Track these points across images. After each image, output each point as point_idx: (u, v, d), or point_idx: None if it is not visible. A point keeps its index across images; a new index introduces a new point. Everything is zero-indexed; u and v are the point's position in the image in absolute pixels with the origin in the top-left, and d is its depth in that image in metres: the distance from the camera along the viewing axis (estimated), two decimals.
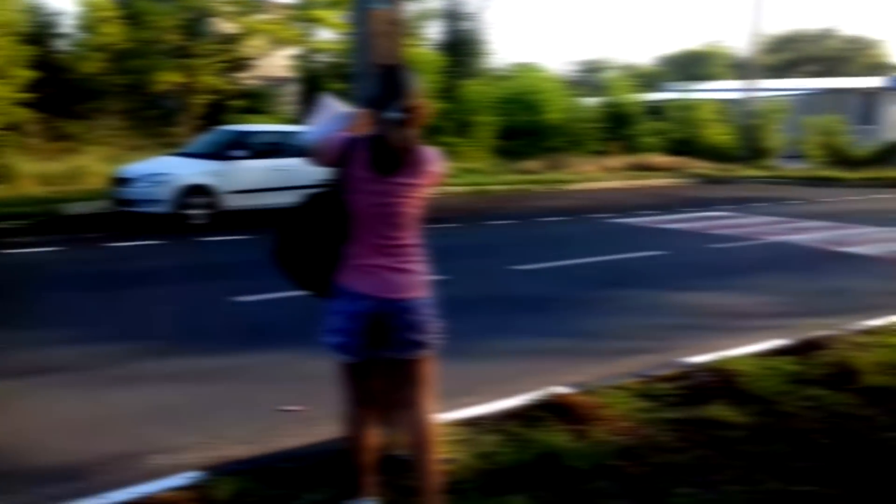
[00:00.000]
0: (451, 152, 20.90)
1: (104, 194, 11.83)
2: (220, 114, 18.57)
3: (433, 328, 2.87)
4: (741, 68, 30.82)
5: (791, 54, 56.85)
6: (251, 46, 20.95)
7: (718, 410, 3.90)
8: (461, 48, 28.38)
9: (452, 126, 22.53)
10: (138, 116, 18.27)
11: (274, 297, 6.35)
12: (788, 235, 11.03)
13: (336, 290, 2.84)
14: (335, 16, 22.31)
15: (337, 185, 2.81)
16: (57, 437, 3.99)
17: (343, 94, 3.16)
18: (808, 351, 4.97)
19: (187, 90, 19.24)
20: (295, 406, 4.33)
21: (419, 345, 2.85)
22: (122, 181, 11.38)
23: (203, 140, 13.14)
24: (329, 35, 23.89)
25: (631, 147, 24.04)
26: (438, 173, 2.83)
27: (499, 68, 29.50)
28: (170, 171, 11.40)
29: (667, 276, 8.22)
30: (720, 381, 4.27)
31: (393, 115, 2.70)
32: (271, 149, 12.17)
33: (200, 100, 19.22)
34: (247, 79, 21.28)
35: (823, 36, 61.93)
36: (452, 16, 29.57)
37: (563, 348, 5.64)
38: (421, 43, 28.12)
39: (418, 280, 2.84)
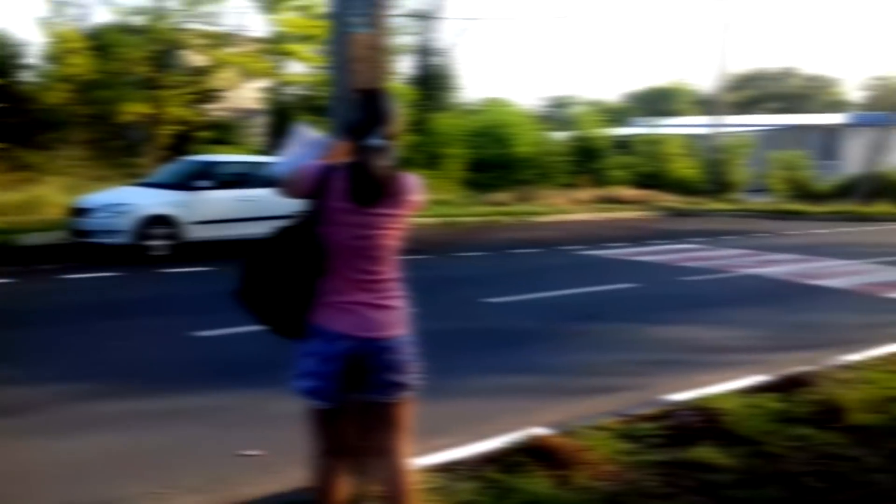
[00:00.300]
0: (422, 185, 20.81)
1: (62, 225, 11.43)
2: (188, 145, 18.28)
3: (413, 368, 2.65)
4: (706, 104, 31.31)
5: (754, 92, 57.98)
6: (221, 78, 20.74)
7: (705, 452, 3.70)
8: (432, 82, 28.47)
9: (423, 158, 22.44)
10: (102, 147, 17.91)
11: (235, 331, 6.03)
12: (759, 268, 10.98)
13: (309, 330, 2.61)
14: (307, 49, 22.25)
15: (310, 217, 2.60)
16: None
17: (315, 125, 2.98)
18: (791, 388, 4.80)
19: (154, 121, 18.95)
20: (255, 451, 4.05)
21: (399, 386, 2.64)
22: (81, 211, 11.00)
23: (167, 170, 12.82)
24: (300, 68, 23.83)
25: (599, 180, 24.15)
26: (418, 202, 2.64)
27: (469, 102, 29.66)
28: (131, 201, 11.05)
29: (640, 309, 8.07)
30: (704, 421, 4.08)
31: (374, 142, 2.53)
32: (238, 179, 11.89)
33: (167, 131, 18.92)
34: (215, 110, 21.05)
35: (785, 74, 63.37)
36: (424, 51, 29.74)
37: (538, 385, 5.42)
38: (393, 77, 28.21)
39: (399, 316, 2.64)
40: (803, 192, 25.10)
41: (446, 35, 29.94)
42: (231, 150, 17.68)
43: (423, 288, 3.44)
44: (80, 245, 10.87)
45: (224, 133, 20.48)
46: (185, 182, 11.53)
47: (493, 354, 6.23)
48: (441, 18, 29.68)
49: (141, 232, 10.71)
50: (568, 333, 7.03)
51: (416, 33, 29.57)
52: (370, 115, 2.56)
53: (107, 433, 4.34)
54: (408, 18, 28.69)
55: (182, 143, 18.57)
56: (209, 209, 11.26)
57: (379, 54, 3.14)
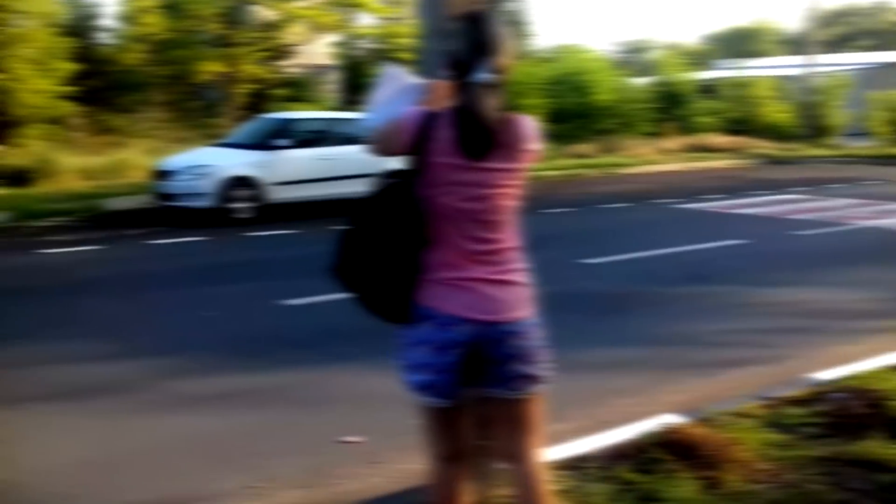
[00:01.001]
0: None
1: (146, 188, 11.39)
2: (263, 103, 18.12)
3: (544, 356, 2.21)
4: (794, 44, 29.39)
5: (844, 28, 54.70)
6: (292, 34, 20.43)
7: (876, 447, 3.16)
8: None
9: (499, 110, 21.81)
10: (181, 108, 17.92)
11: (326, 299, 5.73)
12: (877, 220, 10.11)
13: (416, 313, 2.17)
14: (376, 0, 21.73)
15: (409, 177, 2.15)
16: (68, 479, 3.38)
17: (406, 68, 2.50)
18: None
19: (229, 80, 18.82)
20: (355, 437, 3.71)
21: (529, 379, 2.18)
22: (164, 174, 10.89)
23: (245, 129, 12.58)
24: (370, 20, 23.33)
25: (686, 128, 22.98)
26: (537, 151, 2.15)
27: (543, 50, 28.68)
28: (212, 162, 10.88)
29: (753, 269, 7.42)
30: (866, 406, 3.53)
31: (483, 76, 2.02)
32: (317, 137, 11.60)
33: (242, 89, 18.79)
34: (288, 67, 20.78)
35: (877, 9, 59.60)
36: None
37: (654, 359, 4.93)
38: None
39: (524, 294, 2.18)
40: None
41: None
42: (306, 108, 17.46)
43: None
44: (165, 209, 10.79)
45: (298, 90, 20.25)
46: (264, 141, 11.28)
47: (598, 322, 5.75)
48: None
49: (224, 194, 10.54)
50: (676, 298, 6.50)
51: None
52: (475, 43, 2.06)
53: (196, 415, 4.07)
54: None
55: (258, 101, 18.43)
56: (290, 169, 10.99)
57: None
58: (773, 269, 7.37)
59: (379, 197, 2.19)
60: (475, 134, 2.04)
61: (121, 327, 5.70)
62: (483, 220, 2.10)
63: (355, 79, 22.83)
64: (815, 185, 14.01)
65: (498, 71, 2.04)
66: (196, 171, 10.65)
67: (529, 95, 21.59)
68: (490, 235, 2.11)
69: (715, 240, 8.75)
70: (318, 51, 22.05)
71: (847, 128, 24.98)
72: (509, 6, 28.65)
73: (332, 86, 22.78)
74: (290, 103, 18.02)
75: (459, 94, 2.08)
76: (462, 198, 2.07)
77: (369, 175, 11.71)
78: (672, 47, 45.16)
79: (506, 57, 2.06)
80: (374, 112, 2.31)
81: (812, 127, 24.35)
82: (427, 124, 2.08)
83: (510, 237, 2.16)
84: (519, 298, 2.16)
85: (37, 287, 6.96)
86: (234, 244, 9.28)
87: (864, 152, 21.44)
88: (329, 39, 22.71)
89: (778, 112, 25.16)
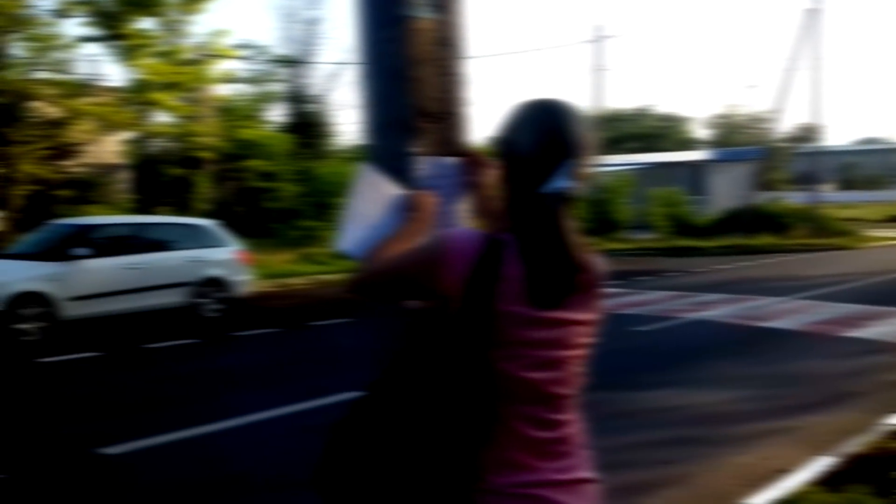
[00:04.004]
0: (313, 237, 19.48)
1: None
2: (45, 206, 16.22)
3: None
4: None
5: (612, 132, 60.40)
6: (78, 131, 18.70)
7: None
8: (308, 130, 27.31)
9: (311, 209, 21.20)
10: None
11: (152, 443, 4.74)
12: (700, 311, 10.54)
13: None
14: (172, 97, 20.65)
15: (434, 337, 1.48)
16: None
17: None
18: (872, 471, 4.06)
19: (5, 181, 16.71)
20: None
21: None
22: None
23: (34, 238, 10.94)
24: (166, 118, 22.13)
25: None
26: (603, 298, 1.54)
27: (349, 148, 28.69)
28: None
29: (616, 372, 7.22)
30: None
31: (564, 185, 1.43)
32: (121, 244, 10.30)
33: (21, 191, 16.73)
34: (74, 166, 18.94)
35: (639, 115, 66.57)
36: (296, 98, 28.55)
37: None
38: (265, 125, 26.82)
39: (597, 495, 1.54)
40: (684, 228, 25.70)
41: (319, 81, 28.95)
42: (96, 210, 15.90)
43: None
44: None
45: (86, 191, 18.49)
46: (58, 251, 9.80)
47: None
48: (312, 64, 28.77)
49: (9, 313, 8.93)
50: None
51: (288, 80, 28.48)
52: (551, 137, 1.45)
53: None
54: (278, 65, 27.56)
55: (39, 203, 16.48)
56: (90, 281, 9.60)
57: (451, 51, 1.96)
58: (635, 371, 7.24)
59: (404, 368, 1.50)
60: (555, 272, 1.43)
61: None
62: (549, 395, 1.46)
63: (149, 178, 21.36)
64: (624, 279, 14.53)
65: (580, 179, 1.46)
66: None
67: (340, 194, 21.24)
68: (558, 417, 1.48)
69: None
70: (107, 149, 20.42)
71: (631, 222, 26.98)
72: (312, 106, 28.59)
73: (123, 185, 21.13)
74: (77, 205, 16.34)
75: (522, 211, 1.46)
76: (529, 363, 1.43)
77: (186, 284, 10.84)
78: None
79: (589, 159, 1.49)
80: (352, 230, 1.66)
81: (602, 221, 26.01)
82: (489, 255, 1.43)
83: (574, 415, 1.53)
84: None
85: None
86: (25, 375, 7.74)
87: (650, 244, 23.09)
88: (120, 137, 21.17)
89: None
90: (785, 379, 6.90)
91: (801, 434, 5.25)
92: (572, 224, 1.45)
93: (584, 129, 1.48)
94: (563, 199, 1.43)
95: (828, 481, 4.07)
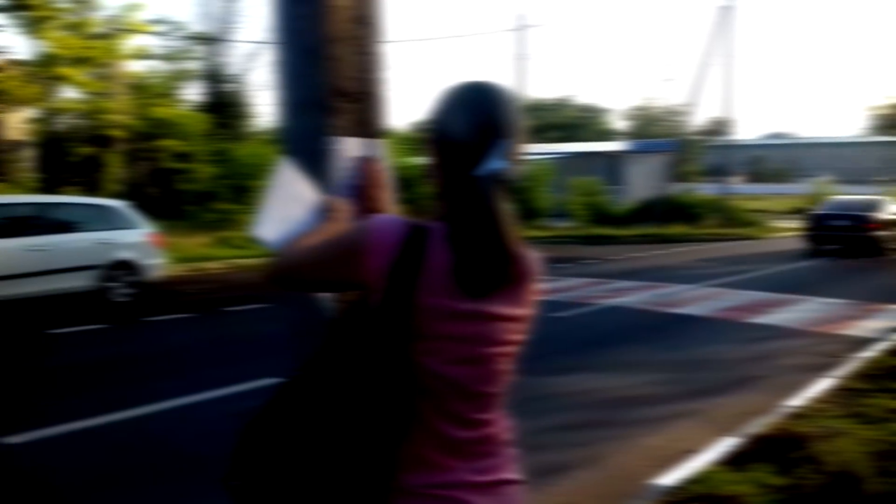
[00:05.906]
0: (230, 220, 19.02)
1: None
2: None
3: None
4: None
5: (534, 121, 61.08)
6: None
7: None
8: (225, 110, 26.61)
9: (228, 192, 20.70)
10: None
11: (57, 432, 4.54)
12: (615, 298, 10.78)
13: None
14: (82, 73, 19.82)
15: (354, 330, 1.42)
16: None
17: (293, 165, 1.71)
18: (775, 451, 4.23)
19: None
20: None
21: None
22: None
23: None
24: (75, 94, 21.23)
25: (419, 212, 23.58)
26: (539, 292, 1.50)
27: (268, 130, 28.11)
28: None
29: (541, 356, 7.33)
30: None
31: (499, 166, 1.36)
32: (24, 224, 9.80)
33: None
34: None
35: (560, 105, 67.50)
36: (214, 77, 27.76)
37: None
38: (181, 104, 25.99)
39: (521, 496, 1.50)
40: (601, 217, 26.28)
41: (237, 59, 28.22)
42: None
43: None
44: None
45: None
46: None
47: None
48: (231, 42, 28.03)
49: None
50: None
51: (205, 58, 27.65)
52: (484, 119, 1.40)
53: None
54: (194, 42, 26.73)
55: None
56: None
57: (369, 30, 1.90)
58: (551, 356, 7.32)
59: (320, 364, 1.43)
60: (486, 260, 1.37)
61: None
62: (473, 392, 1.41)
63: (56, 157, 20.43)
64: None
65: (514, 160, 1.41)
66: None
67: (258, 176, 20.82)
68: (478, 415, 1.43)
69: None
70: (11, 125, 19.46)
71: (551, 210, 27.40)
72: (231, 86, 27.87)
73: (27, 163, 20.16)
74: None
75: (455, 196, 1.40)
76: (451, 358, 1.38)
77: (93, 267, 10.40)
78: (394, 133, 46.87)
79: (521, 141, 1.44)
80: (267, 224, 1.60)
81: (523, 209, 26.32)
82: (412, 244, 1.37)
83: (499, 414, 1.48)
84: None
85: None
86: None
87: (569, 232, 23.52)
88: (25, 113, 20.20)
89: None
90: (694, 363, 7.13)
91: (707, 416, 5.44)
92: (507, 209, 1.39)
93: (516, 111, 1.43)
94: (497, 181, 1.37)
95: (732, 461, 4.21)
